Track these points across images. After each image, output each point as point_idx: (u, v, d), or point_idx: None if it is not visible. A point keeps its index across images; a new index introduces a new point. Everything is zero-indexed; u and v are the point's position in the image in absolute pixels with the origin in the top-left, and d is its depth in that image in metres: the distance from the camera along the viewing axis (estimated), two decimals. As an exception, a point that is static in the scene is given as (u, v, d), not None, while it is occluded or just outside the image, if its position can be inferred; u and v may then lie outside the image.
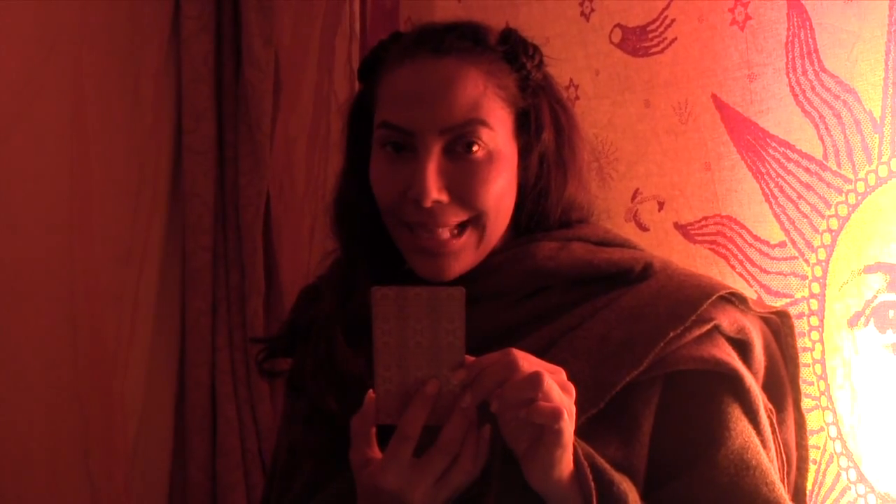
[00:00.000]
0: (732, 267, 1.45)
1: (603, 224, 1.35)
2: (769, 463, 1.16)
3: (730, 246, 1.46)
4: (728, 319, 1.19)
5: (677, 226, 1.53)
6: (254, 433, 2.06)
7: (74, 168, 1.97)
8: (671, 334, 1.14)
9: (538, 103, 1.25)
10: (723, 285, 1.23)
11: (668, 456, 1.15)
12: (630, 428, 1.15)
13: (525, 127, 1.24)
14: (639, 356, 1.14)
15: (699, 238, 1.50)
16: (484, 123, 1.18)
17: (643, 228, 1.57)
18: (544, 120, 1.25)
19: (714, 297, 1.18)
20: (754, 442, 1.16)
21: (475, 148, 1.18)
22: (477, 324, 1.20)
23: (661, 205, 1.56)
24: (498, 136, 1.20)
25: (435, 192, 1.17)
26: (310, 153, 2.11)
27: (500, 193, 1.21)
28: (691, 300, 1.17)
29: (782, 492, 1.15)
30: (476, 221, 1.21)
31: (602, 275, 1.23)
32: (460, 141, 1.18)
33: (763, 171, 1.41)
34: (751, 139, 1.43)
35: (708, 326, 1.17)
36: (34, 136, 1.91)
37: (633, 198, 1.59)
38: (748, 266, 1.44)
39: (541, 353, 1.14)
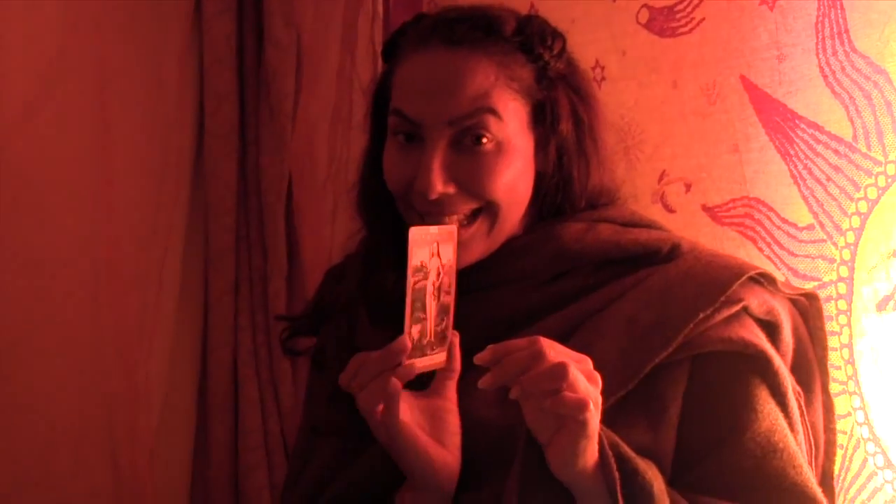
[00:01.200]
0: (760, 250, 1.45)
1: (630, 206, 1.34)
2: (796, 446, 1.16)
3: (758, 228, 1.45)
4: (757, 300, 1.19)
5: (705, 208, 1.52)
6: (276, 414, 2.05)
7: (98, 150, 1.96)
8: (700, 315, 1.14)
9: (555, 96, 1.24)
10: (752, 266, 1.22)
11: (695, 438, 1.15)
12: (658, 411, 1.15)
13: (541, 118, 1.23)
14: (668, 338, 1.14)
15: (727, 220, 1.49)
16: (492, 112, 1.18)
17: (670, 210, 1.56)
18: (561, 112, 1.24)
19: (743, 278, 1.18)
20: (781, 425, 1.15)
21: (484, 140, 1.18)
22: (500, 306, 1.22)
23: (688, 187, 1.54)
24: (508, 127, 1.19)
25: (440, 185, 1.18)
26: (332, 134, 2.10)
27: (510, 184, 1.20)
28: (720, 281, 1.17)
29: (810, 475, 1.14)
30: (488, 209, 1.21)
31: (629, 256, 1.23)
32: (469, 133, 1.18)
33: (792, 152, 1.40)
34: (779, 121, 1.41)
35: (737, 307, 1.16)
36: (58, 118, 1.90)
37: (660, 179, 1.58)
38: (776, 249, 1.43)
39: (566, 334, 1.16)
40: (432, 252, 1.09)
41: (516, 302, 1.23)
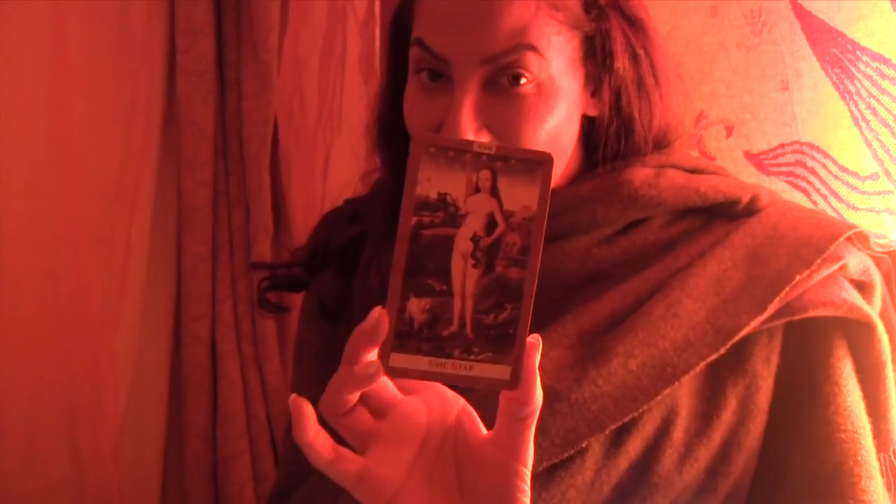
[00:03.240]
0: (814, 202, 1.45)
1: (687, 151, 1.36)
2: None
3: (811, 178, 1.45)
4: (855, 259, 1.21)
5: (748, 155, 1.52)
6: (260, 396, 2.05)
7: (53, 94, 1.95)
8: (797, 278, 1.16)
9: (607, 28, 1.21)
10: (846, 224, 1.25)
11: (784, 417, 1.18)
12: (749, 389, 1.18)
13: (592, 55, 1.21)
14: (761, 301, 1.16)
15: (774, 169, 1.49)
16: (533, 49, 1.15)
17: (709, 158, 1.56)
18: (615, 47, 1.21)
19: (841, 239, 1.20)
20: (861, 403, 1.18)
21: (523, 81, 1.15)
22: (567, 262, 1.23)
23: (729, 130, 1.54)
24: (551, 66, 1.16)
25: (471, 133, 1.15)
26: (323, 74, 2.10)
27: (552, 132, 1.18)
28: (814, 240, 1.19)
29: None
30: None
31: (707, 204, 1.25)
32: (505, 73, 1.15)
33: (852, 90, 1.39)
34: (838, 53, 1.40)
35: (835, 266, 1.18)
36: (6, 55, 1.88)
37: (697, 122, 1.57)
38: (833, 201, 1.43)
39: (647, 296, 1.19)
40: (475, 184, 0.80)
41: (583, 258, 1.23)
